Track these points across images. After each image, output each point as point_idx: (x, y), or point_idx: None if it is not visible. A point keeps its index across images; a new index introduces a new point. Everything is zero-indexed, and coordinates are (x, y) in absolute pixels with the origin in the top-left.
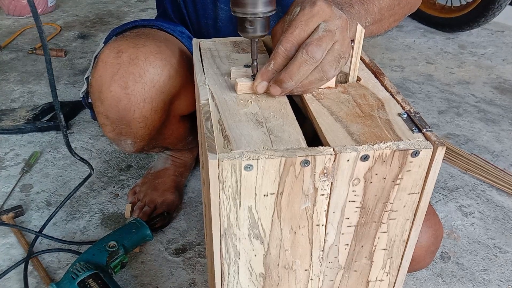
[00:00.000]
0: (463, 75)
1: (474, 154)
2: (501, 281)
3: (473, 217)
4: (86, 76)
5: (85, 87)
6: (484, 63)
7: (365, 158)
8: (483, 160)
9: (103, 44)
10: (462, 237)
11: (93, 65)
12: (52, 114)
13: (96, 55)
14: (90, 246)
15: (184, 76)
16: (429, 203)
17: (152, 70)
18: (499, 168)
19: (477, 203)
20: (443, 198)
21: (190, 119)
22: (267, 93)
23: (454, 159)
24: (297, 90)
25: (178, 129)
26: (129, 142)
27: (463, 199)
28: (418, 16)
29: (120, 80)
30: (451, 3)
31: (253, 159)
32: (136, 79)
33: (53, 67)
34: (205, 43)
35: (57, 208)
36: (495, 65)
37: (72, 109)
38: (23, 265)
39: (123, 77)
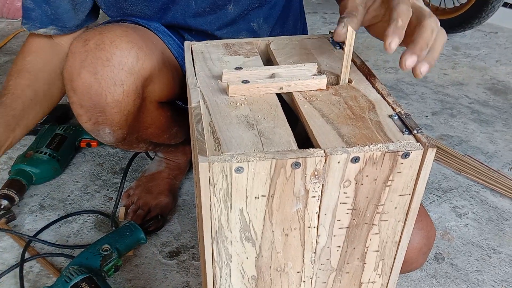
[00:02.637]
0: (456, 77)
1: (468, 155)
2: (495, 281)
3: (467, 218)
4: None
5: None
6: (478, 64)
7: (355, 160)
8: (477, 161)
9: None
10: (456, 238)
11: None
12: (45, 117)
13: None
14: (83, 249)
15: (154, 59)
16: (422, 205)
17: (119, 52)
18: (492, 169)
19: (471, 204)
20: (437, 199)
21: (172, 109)
22: (253, 95)
23: (448, 160)
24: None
25: (158, 117)
26: (107, 131)
27: (457, 200)
28: None
29: (89, 66)
30: (445, 5)
31: (243, 162)
32: (104, 63)
33: None
34: (197, 45)
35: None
36: (488, 66)
37: (65, 112)
38: (16, 269)
39: (91, 63)
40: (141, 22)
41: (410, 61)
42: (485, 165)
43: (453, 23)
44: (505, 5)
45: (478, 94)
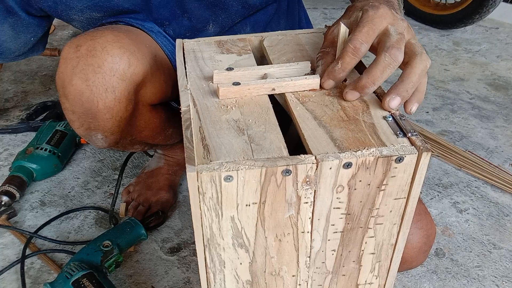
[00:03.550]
0: (457, 72)
1: (469, 151)
2: (495, 277)
3: (468, 213)
4: None
5: None
6: (479, 59)
7: (348, 165)
8: (478, 156)
9: None
10: (457, 234)
11: None
12: (46, 113)
13: None
14: (84, 245)
15: (146, 64)
16: (422, 202)
17: (110, 59)
18: (493, 165)
19: (472, 199)
20: (438, 195)
21: (166, 110)
22: (244, 97)
23: (449, 156)
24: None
25: (152, 119)
26: (100, 136)
27: (458, 196)
28: (413, 13)
29: (80, 73)
30: (446, 0)
31: (233, 170)
32: (95, 69)
33: (47, 66)
34: (189, 43)
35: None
36: (489, 61)
37: None
38: (17, 265)
39: (83, 69)
40: (135, 23)
41: (394, 102)
42: (486, 161)
43: (454, 19)
44: (506, 0)
45: (479, 89)
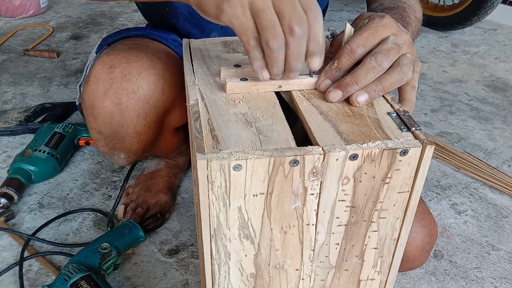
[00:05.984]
0: (456, 74)
1: (467, 152)
2: (494, 278)
3: (466, 215)
4: (79, 83)
5: (79, 94)
6: (477, 61)
7: (354, 157)
8: (476, 158)
9: (95, 54)
10: (455, 235)
11: (85, 75)
12: (44, 115)
13: (88, 65)
14: (82, 248)
15: (177, 89)
16: (424, 203)
17: (146, 86)
18: (491, 166)
19: (470, 201)
20: (436, 197)
21: (184, 129)
22: (251, 93)
23: (447, 158)
24: (377, 94)
25: (172, 140)
26: (122, 156)
27: (456, 197)
28: None
29: (113, 96)
30: (444, 2)
31: (242, 159)
32: (129, 95)
33: (46, 68)
34: (195, 43)
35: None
36: (487, 63)
37: (64, 111)
38: (15, 267)
39: (116, 93)
40: (158, 36)
41: (331, 94)
42: (484, 162)
43: (452, 20)
44: (504, 2)
45: (477, 91)
